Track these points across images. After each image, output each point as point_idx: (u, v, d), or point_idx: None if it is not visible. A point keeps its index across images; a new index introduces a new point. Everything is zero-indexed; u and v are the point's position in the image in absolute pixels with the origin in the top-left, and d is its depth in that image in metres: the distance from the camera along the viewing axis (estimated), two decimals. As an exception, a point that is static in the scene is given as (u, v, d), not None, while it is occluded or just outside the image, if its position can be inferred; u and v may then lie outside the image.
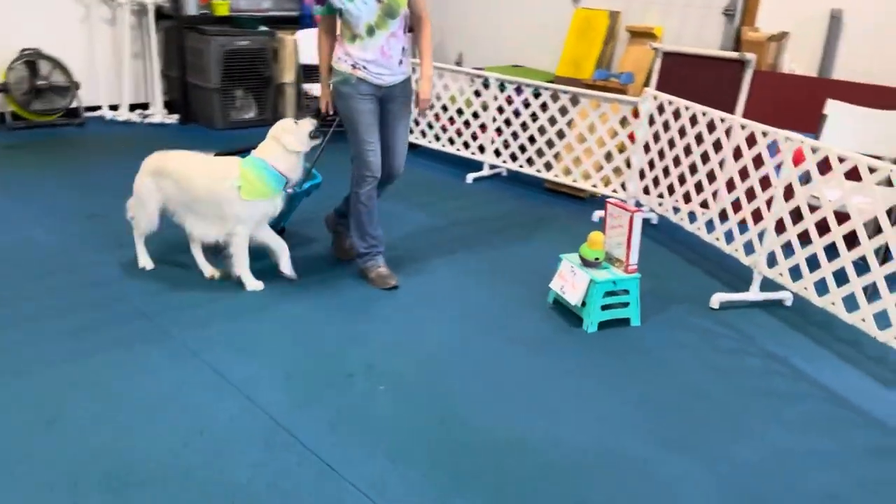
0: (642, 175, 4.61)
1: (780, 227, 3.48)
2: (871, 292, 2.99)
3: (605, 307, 3.31)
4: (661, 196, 4.45)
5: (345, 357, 2.95)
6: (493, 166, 5.63)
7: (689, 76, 4.98)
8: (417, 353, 3.02)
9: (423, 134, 5.92)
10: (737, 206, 3.77)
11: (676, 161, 4.26)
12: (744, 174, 3.73)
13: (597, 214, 4.77)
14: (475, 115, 5.52)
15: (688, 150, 4.16)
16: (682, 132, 4.21)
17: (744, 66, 4.78)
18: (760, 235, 3.58)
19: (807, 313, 3.59)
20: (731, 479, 2.37)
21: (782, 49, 4.92)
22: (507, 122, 5.40)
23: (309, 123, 3.42)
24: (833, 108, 4.14)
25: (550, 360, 3.03)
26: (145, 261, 3.59)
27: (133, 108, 6.71)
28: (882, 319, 2.95)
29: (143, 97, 6.79)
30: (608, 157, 4.94)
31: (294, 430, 2.48)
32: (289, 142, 3.34)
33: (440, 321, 3.30)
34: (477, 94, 5.49)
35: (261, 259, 3.53)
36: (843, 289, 3.11)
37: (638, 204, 4.71)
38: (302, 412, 2.58)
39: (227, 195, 3.26)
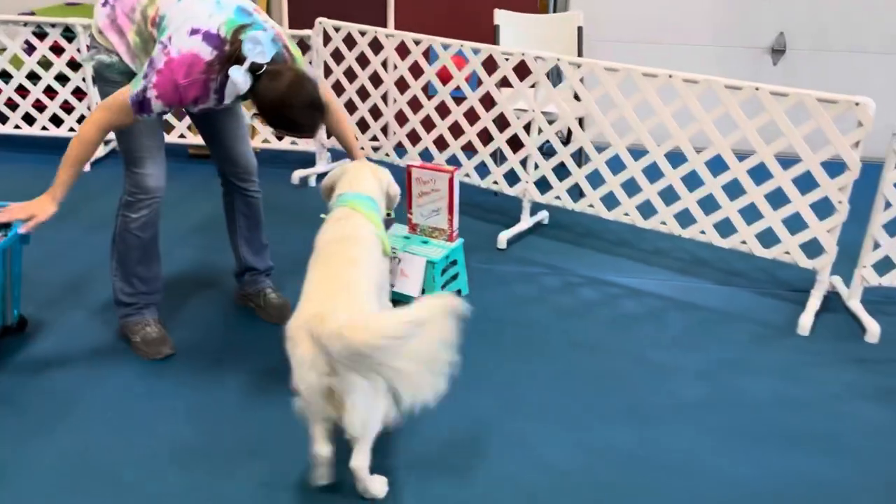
0: (339, 119, 4.00)
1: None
2: (669, 196, 3.15)
3: (442, 286, 2.85)
4: (374, 140, 3.94)
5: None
6: (107, 141, 4.27)
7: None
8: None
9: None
10: (484, 138, 3.55)
11: (385, 98, 3.78)
12: (487, 103, 3.50)
13: (296, 175, 4.02)
14: (35, 78, 4.16)
15: (403, 85, 3.70)
16: (385, 65, 3.72)
17: (384, -20, 4.42)
18: (523, 162, 3.46)
19: (565, 225, 3.67)
20: (722, 428, 2.28)
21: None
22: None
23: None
24: (501, 17, 4.13)
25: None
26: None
27: None
28: (684, 218, 3.16)
29: None
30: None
31: None
32: (395, 192, 2.41)
33: (284, 382, 2.40)
34: (31, 47, 4.07)
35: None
36: (635, 198, 3.22)
37: (331, 151, 4.14)
38: None
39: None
